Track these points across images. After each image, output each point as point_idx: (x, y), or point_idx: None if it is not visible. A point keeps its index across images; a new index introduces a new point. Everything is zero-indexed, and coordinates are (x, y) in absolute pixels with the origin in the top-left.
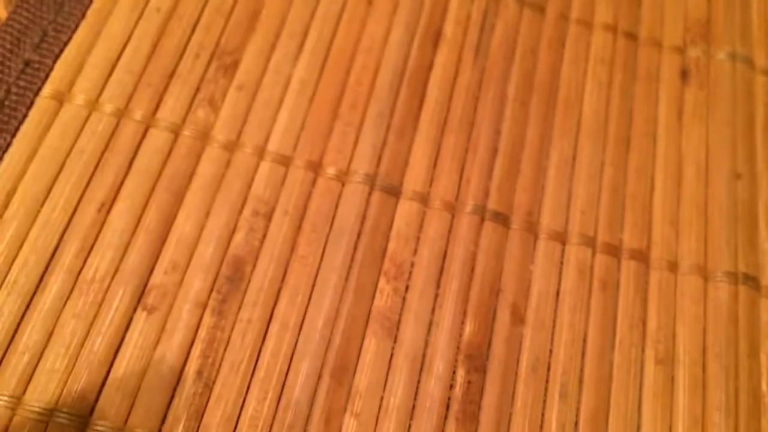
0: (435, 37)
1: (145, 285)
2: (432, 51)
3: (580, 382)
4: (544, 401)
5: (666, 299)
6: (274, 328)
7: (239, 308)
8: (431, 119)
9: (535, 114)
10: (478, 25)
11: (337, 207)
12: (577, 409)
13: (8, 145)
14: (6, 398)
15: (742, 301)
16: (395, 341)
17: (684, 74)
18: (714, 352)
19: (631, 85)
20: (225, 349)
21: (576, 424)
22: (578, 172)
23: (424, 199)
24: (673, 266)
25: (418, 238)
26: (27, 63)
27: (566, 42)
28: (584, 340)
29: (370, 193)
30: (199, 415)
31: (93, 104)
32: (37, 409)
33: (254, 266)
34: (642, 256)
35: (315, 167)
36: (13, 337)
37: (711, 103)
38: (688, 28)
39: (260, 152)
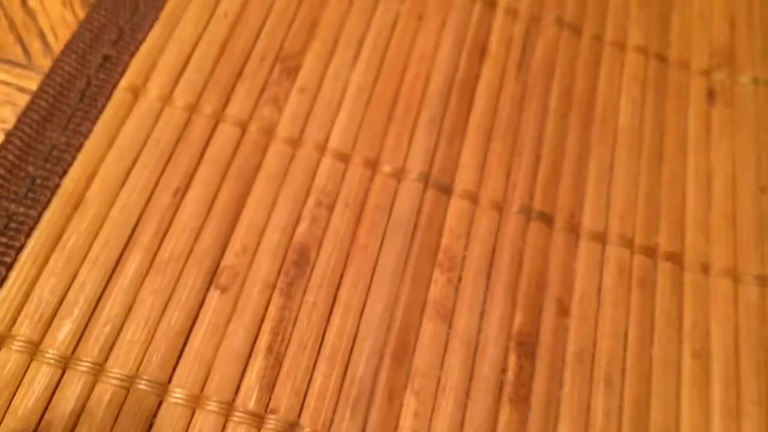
0: (481, 52)
1: (218, 266)
2: (478, 64)
3: (623, 372)
4: (590, 388)
5: (699, 299)
6: (338, 310)
7: (305, 291)
8: (479, 126)
9: (575, 126)
10: (520, 44)
11: (393, 202)
12: (621, 397)
13: (89, 132)
14: (89, 364)
15: None
16: (450, 327)
17: (710, 95)
18: (745, 349)
19: (662, 103)
20: (293, 328)
21: (620, 410)
22: (616, 180)
23: (473, 198)
24: (705, 268)
25: (469, 234)
26: (105, 58)
27: (601, 61)
28: (625, 334)
29: (424, 191)
30: (270, 386)
31: (166, 99)
32: (118, 376)
33: (318, 253)
34: (676, 259)
35: (372, 165)
36: (95, 309)
37: (736, 122)
38: (713, 54)
39: (321, 149)
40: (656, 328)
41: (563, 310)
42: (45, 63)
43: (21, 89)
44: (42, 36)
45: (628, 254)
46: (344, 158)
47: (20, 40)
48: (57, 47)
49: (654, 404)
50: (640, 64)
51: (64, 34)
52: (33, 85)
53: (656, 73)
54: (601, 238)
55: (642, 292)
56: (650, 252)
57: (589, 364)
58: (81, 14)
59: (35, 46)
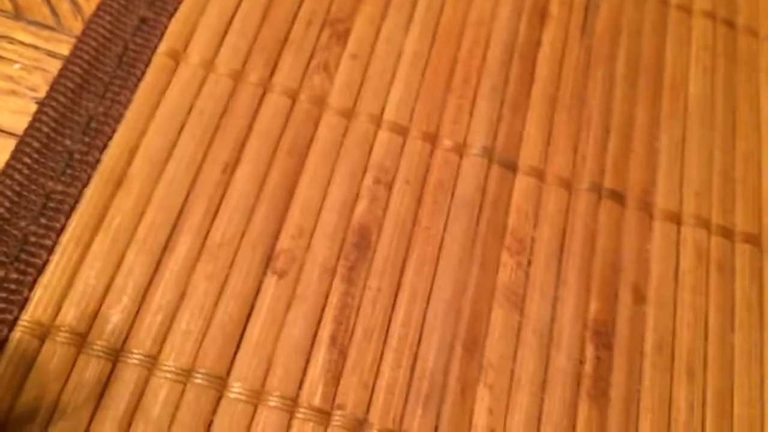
0: (541, 15)
1: (273, 249)
2: (539, 28)
3: (705, 362)
4: (671, 380)
5: None
6: (403, 297)
7: (367, 276)
8: (543, 95)
9: (644, 95)
10: (582, 6)
11: (456, 179)
12: (704, 389)
13: (128, 101)
14: (141, 357)
15: None
16: (522, 315)
17: None
18: None
19: (732, 72)
20: (356, 316)
21: (703, 403)
22: (688, 155)
23: (540, 175)
24: None
25: (537, 214)
26: (142, 20)
27: (668, 26)
28: (705, 321)
29: (488, 167)
30: (336, 380)
31: (209, 65)
32: (173, 369)
33: (379, 235)
34: (755, 240)
35: (432, 138)
36: (144, 296)
37: None
38: None
39: (377, 121)
40: (737, 314)
41: (640, 297)
42: (75, 25)
43: (51, 54)
44: None
45: (705, 235)
46: (402, 131)
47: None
48: (87, 8)
49: (738, 396)
50: (708, 30)
51: None
52: (64, 50)
53: (725, 40)
54: (676, 218)
55: (721, 276)
56: (728, 233)
57: (669, 355)
58: None
59: (63, 6)
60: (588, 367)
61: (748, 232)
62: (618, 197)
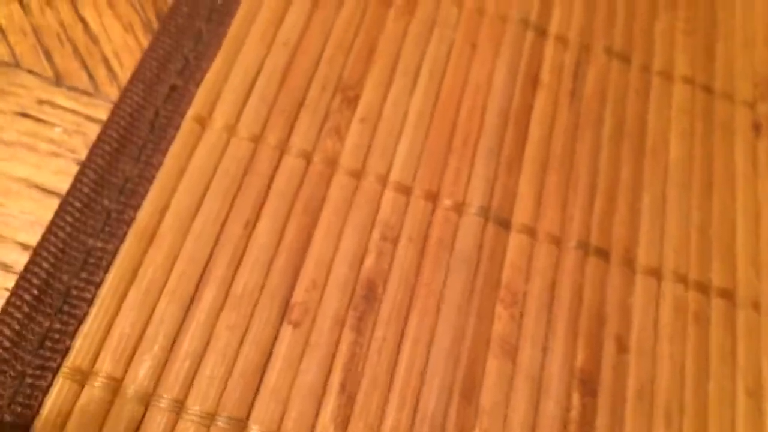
0: (533, 82)
1: (289, 301)
2: (532, 94)
3: (681, 408)
4: (650, 424)
5: (752, 335)
6: (406, 346)
7: (374, 326)
8: (534, 157)
9: (627, 157)
10: (571, 73)
11: (455, 237)
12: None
13: (160, 164)
14: (170, 401)
15: None
16: (514, 363)
17: (756, 127)
18: None
19: (709, 136)
20: (364, 364)
21: None
22: (668, 214)
23: (532, 233)
24: (756, 305)
25: (529, 269)
26: (172, 88)
27: (650, 92)
28: (682, 370)
29: (484, 225)
30: (345, 424)
31: (231, 129)
32: (198, 413)
33: (385, 288)
34: (728, 295)
35: (433, 198)
36: (173, 344)
37: None
38: (756, 84)
39: (383, 181)
40: (711, 364)
41: (622, 347)
42: (111, 91)
43: (89, 118)
44: (106, 62)
45: (682, 290)
46: (406, 191)
47: (85, 66)
48: (122, 74)
49: None
50: (687, 95)
51: (128, 61)
52: (101, 114)
53: (703, 104)
54: (656, 274)
55: (697, 328)
56: (704, 288)
57: (648, 401)
58: (143, 40)
59: (100, 73)
60: (574, 413)
61: (723, 287)
62: (603, 254)
